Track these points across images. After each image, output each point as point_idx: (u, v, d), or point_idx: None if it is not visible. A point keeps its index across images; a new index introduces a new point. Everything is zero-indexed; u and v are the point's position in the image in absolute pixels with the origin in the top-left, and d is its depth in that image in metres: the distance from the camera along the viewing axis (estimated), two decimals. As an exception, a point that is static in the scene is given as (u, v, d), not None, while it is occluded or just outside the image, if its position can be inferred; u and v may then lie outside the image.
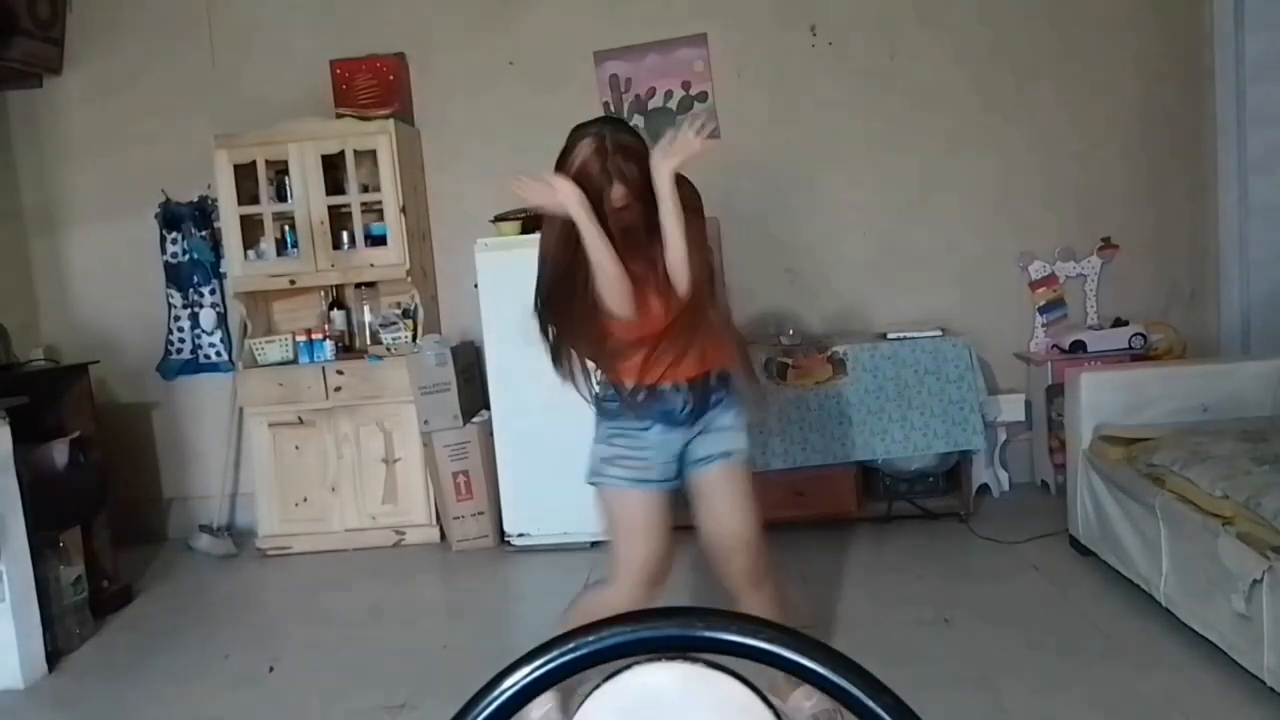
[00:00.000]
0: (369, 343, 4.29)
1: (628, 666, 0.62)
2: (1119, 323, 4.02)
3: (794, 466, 3.75)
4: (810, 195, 4.26)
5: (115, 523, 3.72)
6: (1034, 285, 4.19)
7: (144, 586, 3.81)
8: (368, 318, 4.36)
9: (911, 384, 3.71)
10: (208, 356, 4.50)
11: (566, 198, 2.01)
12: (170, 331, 4.49)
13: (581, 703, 0.63)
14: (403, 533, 4.09)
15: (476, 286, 3.80)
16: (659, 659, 0.62)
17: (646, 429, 2.13)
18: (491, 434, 3.88)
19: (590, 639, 0.62)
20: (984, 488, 4.07)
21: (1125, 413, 3.10)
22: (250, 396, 4.12)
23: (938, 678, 2.51)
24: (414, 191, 4.24)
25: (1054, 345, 4.09)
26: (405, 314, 4.24)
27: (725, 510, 2.16)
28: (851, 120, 4.21)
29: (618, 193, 2.02)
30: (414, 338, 4.14)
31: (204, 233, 4.41)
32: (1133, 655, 2.56)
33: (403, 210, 4.08)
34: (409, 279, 4.12)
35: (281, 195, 4.16)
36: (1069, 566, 3.24)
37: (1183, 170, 4.13)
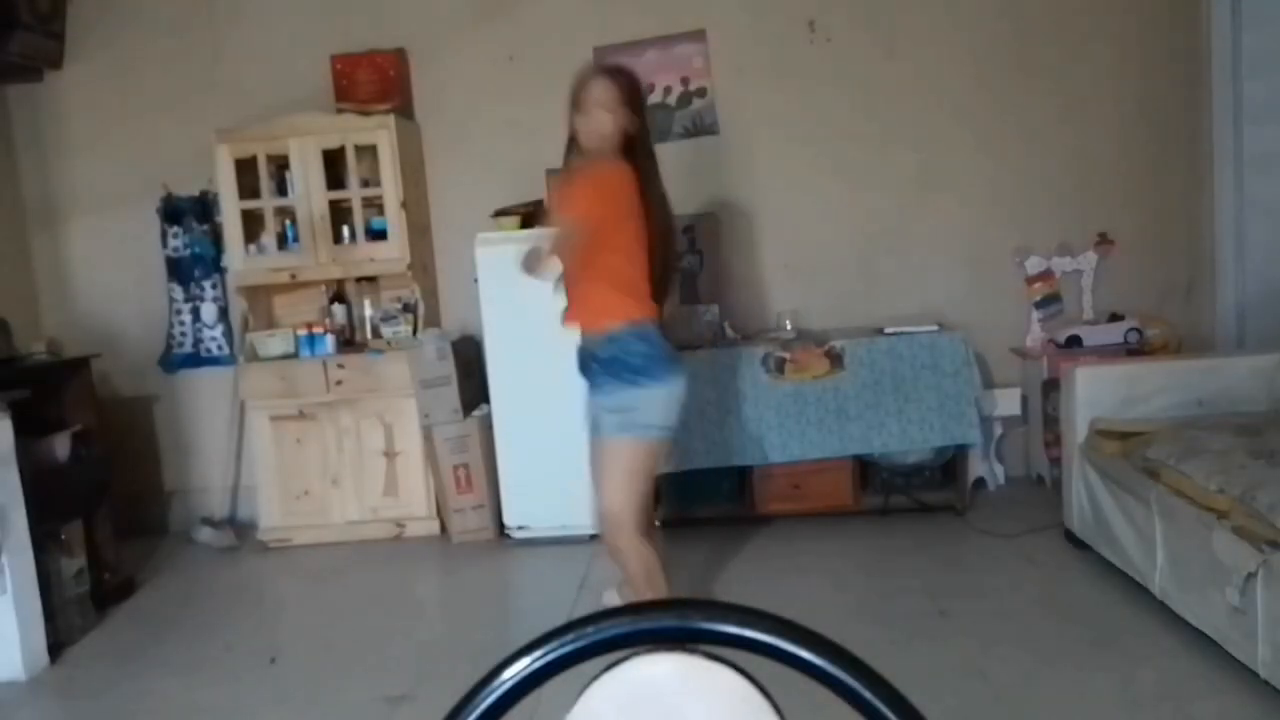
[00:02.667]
0: (369, 337, 4.31)
1: (626, 658, 0.62)
2: (1114, 317, 4.03)
3: (791, 460, 3.77)
4: (809, 190, 4.27)
5: (117, 515, 3.73)
6: (1030, 280, 4.20)
7: (146, 579, 3.82)
8: (368, 312, 4.37)
9: (908, 378, 3.72)
10: (209, 350, 4.50)
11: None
12: (172, 325, 4.50)
13: (580, 694, 0.64)
14: (403, 525, 4.11)
15: (476, 281, 3.81)
16: (657, 650, 0.62)
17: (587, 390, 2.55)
18: (491, 427, 3.89)
19: (589, 630, 0.62)
20: (980, 481, 4.09)
21: (1120, 407, 3.12)
22: (251, 390, 4.13)
23: (934, 669, 2.53)
24: (414, 186, 4.24)
25: (1050, 340, 4.10)
26: (406, 308, 4.26)
27: (596, 480, 2.54)
28: (850, 116, 4.22)
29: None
30: (414, 332, 4.15)
31: (205, 227, 4.41)
32: (1127, 647, 2.58)
33: (403, 205, 4.08)
34: (409, 273, 4.13)
35: (282, 190, 4.16)
36: (1064, 559, 3.25)
37: (1179, 166, 4.14)
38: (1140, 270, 4.17)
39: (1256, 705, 2.20)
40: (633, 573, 2.53)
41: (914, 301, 4.18)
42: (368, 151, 4.08)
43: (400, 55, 4.27)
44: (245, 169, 4.11)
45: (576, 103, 2.49)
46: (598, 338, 2.47)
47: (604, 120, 2.45)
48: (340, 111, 4.12)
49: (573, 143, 2.55)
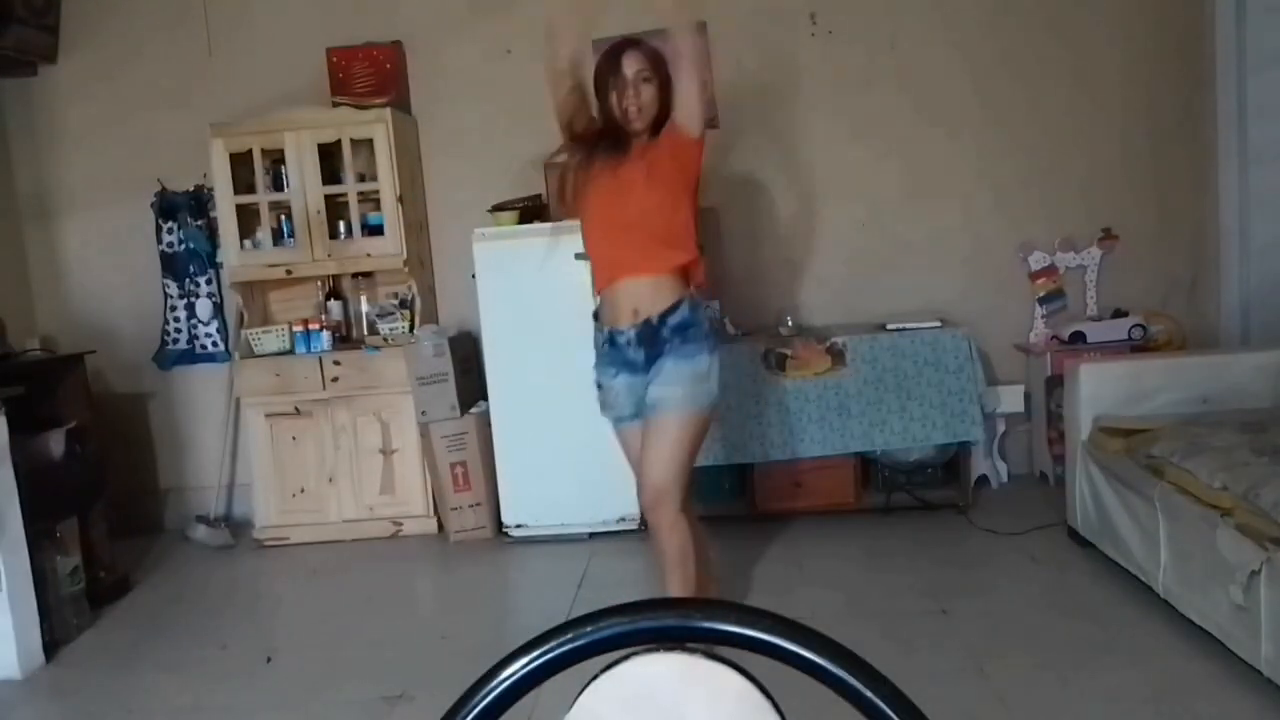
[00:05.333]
0: (366, 333, 4.28)
1: (626, 657, 0.62)
2: (1119, 314, 4.01)
3: (792, 458, 3.75)
4: (810, 185, 4.25)
5: (112, 513, 3.72)
6: (1034, 276, 4.18)
7: (141, 577, 3.81)
8: (365, 308, 4.35)
9: (911, 375, 3.70)
10: (204, 347, 4.48)
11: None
12: (166, 321, 4.48)
13: (579, 693, 0.63)
14: (400, 524, 4.09)
15: (474, 277, 3.79)
16: (657, 649, 0.61)
17: (615, 377, 2.52)
18: (489, 425, 3.87)
19: (589, 629, 0.61)
20: (983, 479, 4.07)
21: (1125, 404, 3.10)
22: (247, 387, 4.11)
23: (936, 668, 2.51)
24: (411, 181, 4.22)
25: (1053, 336, 4.08)
26: (402, 304, 4.23)
27: (645, 456, 2.46)
28: (852, 109, 4.20)
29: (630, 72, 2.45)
30: (411, 328, 4.12)
31: (200, 222, 4.39)
32: (1130, 646, 2.57)
33: (399, 200, 4.06)
34: (406, 269, 4.10)
35: (278, 184, 4.14)
36: (1067, 558, 3.24)
37: (1183, 161, 4.12)
38: (1144, 266, 4.15)
39: (1259, 703, 2.18)
40: (670, 551, 2.47)
41: (916, 297, 4.16)
42: (364, 146, 4.06)
43: (397, 48, 4.24)
44: (240, 163, 4.09)
45: (614, 81, 2.45)
46: (668, 307, 2.43)
47: (651, 93, 2.44)
48: (336, 105, 4.10)
49: (605, 129, 2.51)
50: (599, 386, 2.58)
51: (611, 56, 2.47)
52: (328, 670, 2.85)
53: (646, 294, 2.44)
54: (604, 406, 2.58)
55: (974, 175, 4.20)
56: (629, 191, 2.44)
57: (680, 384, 2.41)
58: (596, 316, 2.60)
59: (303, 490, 4.11)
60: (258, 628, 3.28)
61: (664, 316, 2.43)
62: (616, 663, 0.62)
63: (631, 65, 2.44)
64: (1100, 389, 3.15)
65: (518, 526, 3.88)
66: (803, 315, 4.11)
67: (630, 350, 2.46)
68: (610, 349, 2.50)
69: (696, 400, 2.42)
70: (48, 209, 4.50)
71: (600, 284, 2.55)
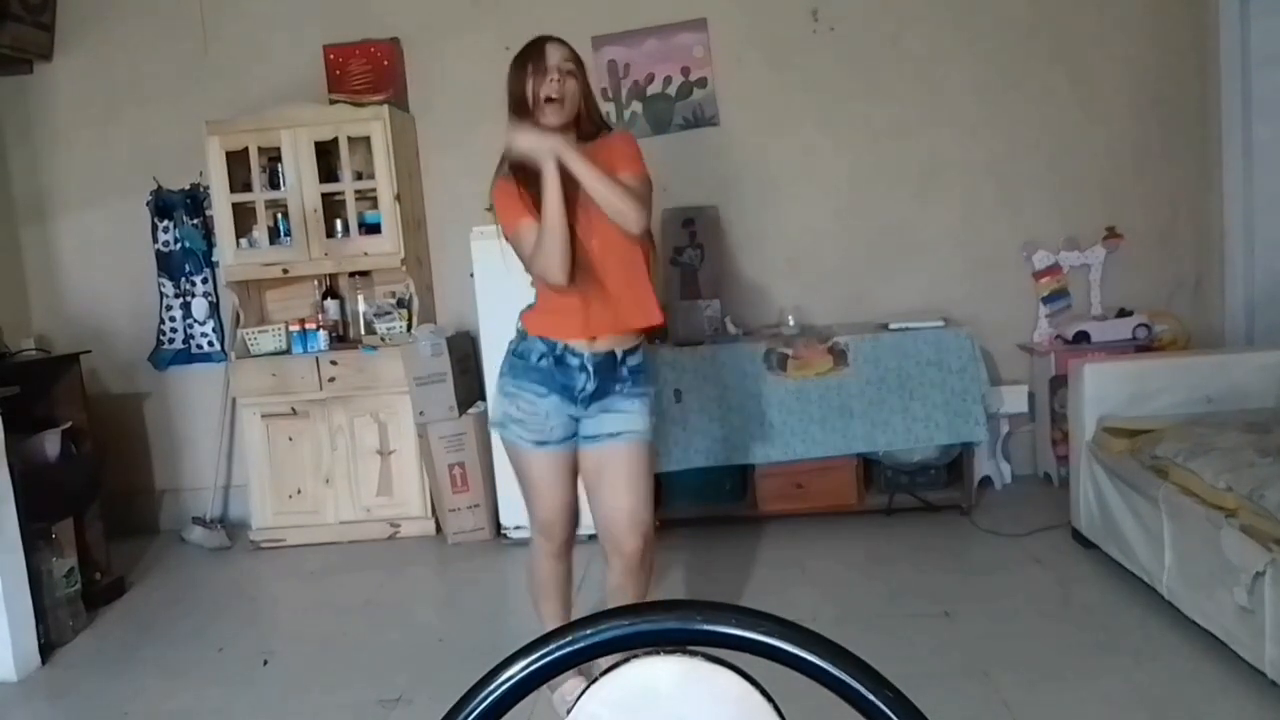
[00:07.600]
0: (363, 333, 4.26)
1: (626, 660, 0.61)
2: (1123, 313, 3.99)
3: (794, 459, 3.73)
4: (812, 183, 4.23)
5: (107, 514, 3.71)
6: (1038, 275, 4.16)
7: (137, 579, 3.79)
8: (362, 307, 4.33)
9: (913, 375, 3.68)
10: (200, 346, 4.46)
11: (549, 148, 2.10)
12: (162, 321, 4.45)
13: (579, 696, 0.62)
14: (398, 525, 4.06)
15: (472, 275, 3.77)
16: (657, 652, 0.61)
17: (545, 396, 2.23)
18: (487, 425, 3.84)
19: (587, 632, 0.61)
20: (986, 480, 4.05)
21: (1129, 404, 3.08)
22: (243, 387, 4.08)
23: (939, 671, 2.49)
24: (408, 179, 4.20)
25: (1057, 336, 4.06)
26: (400, 303, 4.21)
27: (614, 490, 2.27)
28: (854, 107, 4.18)
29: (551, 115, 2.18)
30: (409, 327, 4.10)
31: (196, 220, 4.37)
32: (1134, 648, 2.55)
33: (397, 198, 4.04)
34: (403, 268, 4.08)
35: (274, 183, 4.12)
36: (1071, 559, 3.22)
37: (1188, 159, 4.10)
38: (1149, 265, 4.13)
39: (1264, 706, 2.17)
40: (642, 581, 2.37)
41: (919, 297, 4.14)
42: (361, 143, 4.04)
43: (394, 45, 4.22)
44: (236, 161, 4.07)
45: (534, 68, 2.18)
46: (630, 342, 2.25)
47: (574, 87, 2.20)
48: (333, 102, 4.08)
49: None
50: (507, 396, 2.26)
51: (532, 46, 2.24)
52: (324, 673, 2.83)
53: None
54: (517, 424, 2.25)
55: (977, 174, 4.18)
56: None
57: (640, 415, 2.26)
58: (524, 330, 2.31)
59: (299, 491, 4.08)
60: (254, 630, 3.26)
61: (627, 354, 2.25)
62: (617, 665, 0.61)
63: (555, 54, 2.21)
64: (1104, 389, 3.13)
65: (516, 528, 3.86)
66: (804, 315, 4.09)
67: (579, 376, 2.21)
68: (554, 366, 2.22)
69: (651, 430, 2.29)
70: (43, 208, 4.48)
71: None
